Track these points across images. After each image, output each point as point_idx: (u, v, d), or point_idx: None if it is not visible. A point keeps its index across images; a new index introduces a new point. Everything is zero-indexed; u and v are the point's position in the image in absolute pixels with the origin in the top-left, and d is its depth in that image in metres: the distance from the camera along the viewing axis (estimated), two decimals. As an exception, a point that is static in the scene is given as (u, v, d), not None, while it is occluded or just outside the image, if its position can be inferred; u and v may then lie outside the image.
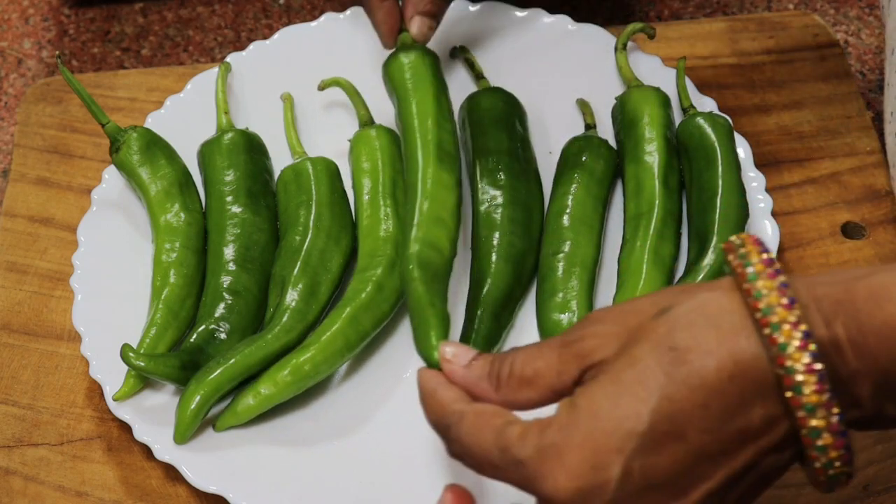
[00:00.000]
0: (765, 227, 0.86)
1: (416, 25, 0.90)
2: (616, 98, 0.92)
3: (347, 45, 0.99)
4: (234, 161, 0.90)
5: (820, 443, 0.59)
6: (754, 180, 0.88)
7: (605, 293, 0.86)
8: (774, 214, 0.87)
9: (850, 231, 0.91)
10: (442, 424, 0.65)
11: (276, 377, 0.80)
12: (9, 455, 0.83)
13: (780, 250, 0.87)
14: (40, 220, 0.94)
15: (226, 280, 0.85)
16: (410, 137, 0.86)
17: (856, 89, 0.98)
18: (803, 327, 0.58)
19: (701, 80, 0.97)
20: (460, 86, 0.96)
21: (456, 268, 0.83)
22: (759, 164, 0.91)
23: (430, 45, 0.97)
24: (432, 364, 0.71)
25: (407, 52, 0.90)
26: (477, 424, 0.63)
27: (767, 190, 0.88)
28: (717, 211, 0.84)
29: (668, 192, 0.87)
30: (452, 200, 0.83)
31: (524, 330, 0.85)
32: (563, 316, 0.83)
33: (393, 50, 0.91)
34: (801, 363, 0.58)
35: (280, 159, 0.93)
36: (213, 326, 0.83)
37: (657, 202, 0.86)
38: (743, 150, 0.90)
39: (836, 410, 0.59)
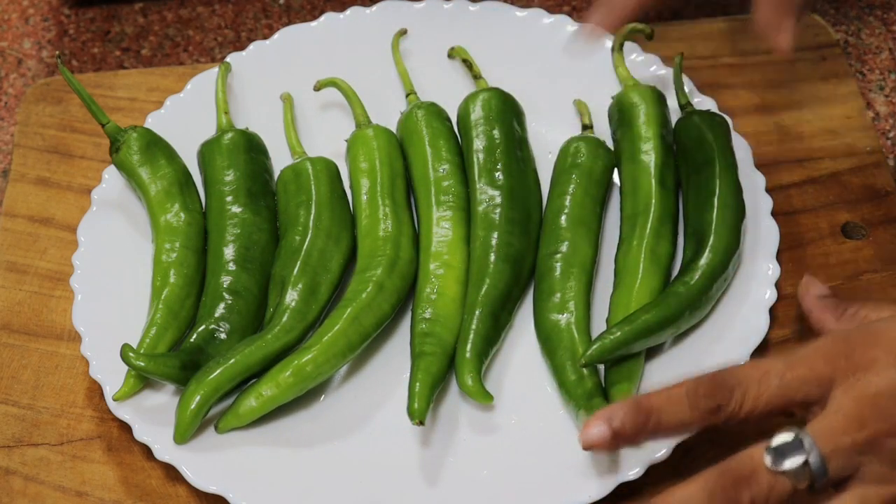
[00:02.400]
0: (765, 227, 0.86)
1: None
2: (612, 98, 0.92)
3: (347, 45, 0.99)
4: (234, 161, 0.90)
5: None
6: (754, 180, 0.88)
7: (603, 293, 0.86)
8: (774, 214, 0.87)
9: (850, 231, 0.91)
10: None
11: (278, 378, 0.80)
12: (9, 455, 0.83)
13: (780, 250, 0.87)
14: (40, 220, 0.94)
15: (226, 280, 0.85)
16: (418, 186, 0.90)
17: (856, 89, 0.98)
18: None
19: (701, 80, 0.97)
20: (458, 86, 0.96)
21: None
22: (759, 164, 0.91)
23: (429, 45, 0.98)
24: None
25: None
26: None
27: (767, 190, 0.88)
28: (714, 210, 0.84)
29: (665, 192, 0.87)
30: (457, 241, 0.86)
31: (523, 330, 0.85)
32: (560, 316, 0.83)
33: None
34: None
35: (280, 159, 0.93)
36: (213, 326, 0.83)
37: (653, 201, 0.86)
38: (743, 150, 0.90)
39: None
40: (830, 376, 0.67)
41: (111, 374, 0.82)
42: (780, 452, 0.66)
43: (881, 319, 0.70)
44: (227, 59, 0.97)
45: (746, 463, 0.66)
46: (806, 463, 0.65)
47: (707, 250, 0.83)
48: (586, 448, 0.69)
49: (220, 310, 0.84)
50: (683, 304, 0.80)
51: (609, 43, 0.96)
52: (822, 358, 0.68)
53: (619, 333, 0.79)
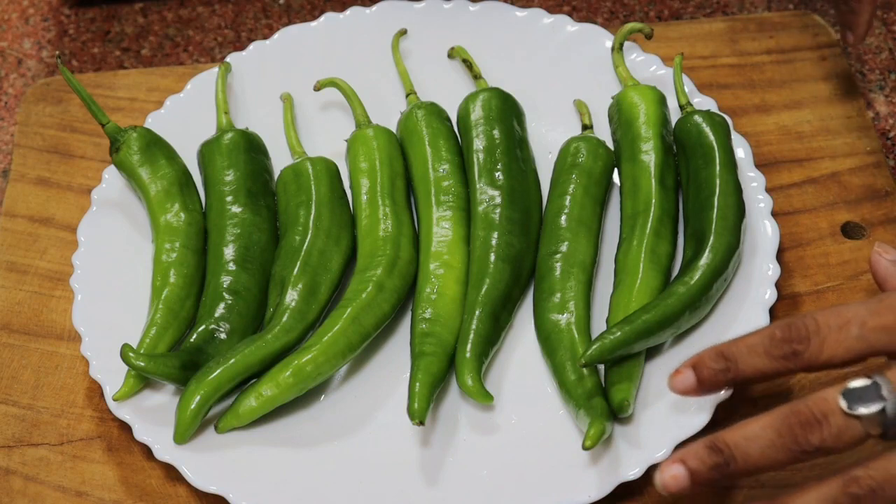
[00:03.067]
0: (765, 227, 0.86)
1: None
2: (612, 97, 0.92)
3: (347, 45, 0.99)
4: (234, 161, 0.90)
5: None
6: (754, 180, 0.88)
7: (603, 293, 0.86)
8: (774, 214, 0.87)
9: (850, 231, 0.91)
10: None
11: (278, 378, 0.80)
12: (9, 455, 0.83)
13: (780, 250, 0.87)
14: (40, 220, 0.94)
15: (226, 280, 0.85)
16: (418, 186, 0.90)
17: (856, 89, 0.98)
18: None
19: (701, 80, 0.97)
20: (458, 86, 0.96)
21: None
22: (759, 164, 0.91)
23: (429, 45, 0.98)
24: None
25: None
26: None
27: (767, 190, 0.88)
28: (714, 210, 0.84)
29: (665, 191, 0.87)
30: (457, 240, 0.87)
31: (523, 330, 0.85)
32: (560, 316, 0.83)
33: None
34: None
35: (280, 159, 0.93)
36: (213, 326, 0.83)
37: (653, 201, 0.86)
38: (743, 150, 0.90)
39: None
40: None
41: (111, 374, 0.82)
42: (856, 396, 0.65)
43: None
44: (227, 59, 0.98)
45: (819, 405, 0.65)
46: (882, 410, 0.64)
47: (707, 250, 0.82)
48: (677, 393, 0.70)
49: (220, 310, 0.84)
50: (683, 304, 0.80)
51: (609, 43, 0.96)
52: None
53: (619, 333, 0.79)
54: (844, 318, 0.67)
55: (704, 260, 0.82)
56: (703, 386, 0.69)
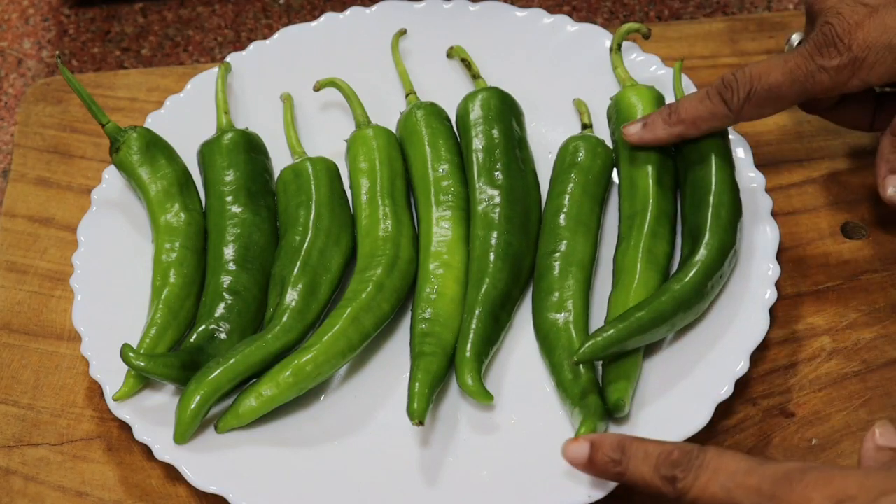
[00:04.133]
0: (764, 228, 0.86)
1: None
2: (611, 97, 0.92)
3: (347, 45, 0.99)
4: (233, 161, 0.90)
5: None
6: (754, 180, 0.88)
7: (601, 292, 0.86)
8: (774, 214, 0.87)
9: (850, 231, 0.91)
10: None
11: (277, 378, 0.80)
12: (9, 455, 0.83)
13: (781, 250, 0.87)
14: (40, 220, 0.94)
15: (226, 280, 0.85)
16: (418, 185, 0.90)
17: (856, 89, 0.98)
18: None
19: (701, 80, 0.96)
20: (458, 86, 0.96)
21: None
22: (759, 164, 0.91)
23: (429, 45, 0.98)
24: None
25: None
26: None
27: (767, 190, 0.88)
28: (710, 208, 0.84)
29: (662, 191, 0.87)
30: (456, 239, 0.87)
31: (523, 330, 0.85)
32: (558, 315, 0.83)
33: None
34: None
35: (280, 159, 0.93)
36: (213, 326, 0.83)
37: (651, 201, 0.86)
38: (742, 150, 0.90)
39: None
40: (769, 501, 0.66)
41: (111, 374, 0.82)
42: None
43: (849, 467, 0.68)
44: (227, 59, 0.98)
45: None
46: None
47: (702, 248, 0.82)
48: (566, 459, 0.73)
49: (220, 310, 0.84)
50: (677, 302, 0.80)
51: (609, 43, 0.96)
52: (771, 479, 0.67)
53: (612, 331, 0.79)
54: (723, 464, 0.68)
55: (698, 257, 0.82)
56: (592, 466, 0.72)
